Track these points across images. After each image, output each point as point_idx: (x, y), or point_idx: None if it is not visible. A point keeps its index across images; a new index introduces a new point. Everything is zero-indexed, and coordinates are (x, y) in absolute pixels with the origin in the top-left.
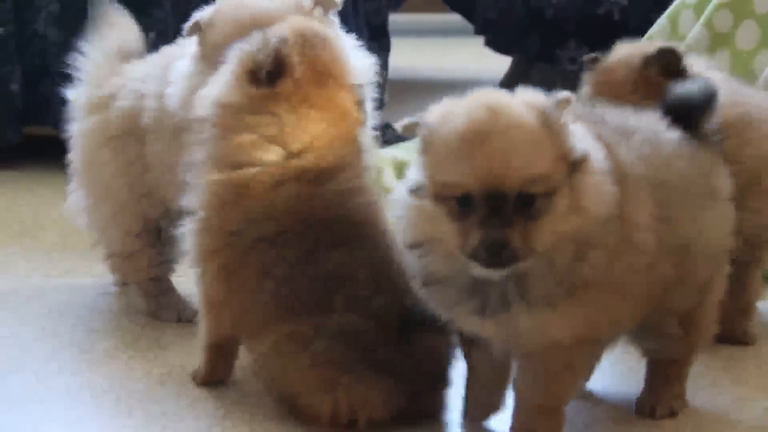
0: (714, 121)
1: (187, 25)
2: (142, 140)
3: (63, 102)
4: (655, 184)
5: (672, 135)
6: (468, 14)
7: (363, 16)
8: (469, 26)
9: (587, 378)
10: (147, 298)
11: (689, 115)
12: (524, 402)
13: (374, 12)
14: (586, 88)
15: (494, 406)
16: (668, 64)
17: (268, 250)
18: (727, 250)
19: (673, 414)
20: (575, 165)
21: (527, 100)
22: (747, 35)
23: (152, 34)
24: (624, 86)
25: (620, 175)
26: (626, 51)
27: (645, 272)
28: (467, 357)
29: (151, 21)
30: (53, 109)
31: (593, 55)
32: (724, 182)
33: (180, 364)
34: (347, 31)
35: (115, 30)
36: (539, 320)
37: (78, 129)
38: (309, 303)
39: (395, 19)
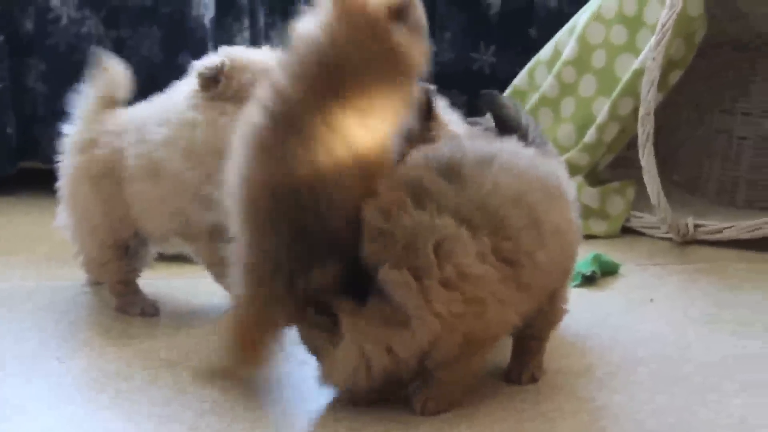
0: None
1: (210, 68)
2: (119, 181)
3: (49, 142)
4: (519, 195)
5: (527, 151)
6: None
7: None
8: None
9: (484, 363)
10: (117, 297)
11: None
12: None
13: None
14: None
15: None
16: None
17: None
18: (580, 237)
19: (534, 380)
20: None
21: None
22: (587, 86)
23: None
24: None
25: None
26: None
27: (515, 281)
28: None
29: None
30: (41, 148)
31: None
32: (568, 182)
33: (145, 349)
34: None
35: (105, 76)
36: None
37: (66, 164)
38: None
39: None
